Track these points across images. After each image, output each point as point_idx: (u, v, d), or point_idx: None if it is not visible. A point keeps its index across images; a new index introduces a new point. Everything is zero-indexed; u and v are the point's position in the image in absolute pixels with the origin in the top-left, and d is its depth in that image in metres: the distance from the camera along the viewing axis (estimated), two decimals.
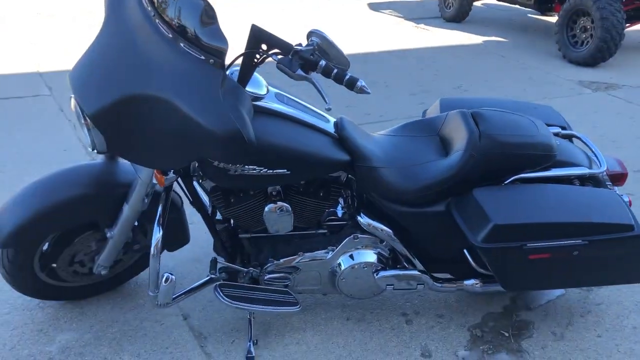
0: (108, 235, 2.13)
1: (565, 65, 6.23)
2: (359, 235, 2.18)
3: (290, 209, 2.08)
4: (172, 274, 1.98)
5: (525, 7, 7.81)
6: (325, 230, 2.25)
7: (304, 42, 1.83)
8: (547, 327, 2.38)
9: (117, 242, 2.16)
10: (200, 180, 2.07)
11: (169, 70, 1.63)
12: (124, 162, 2.20)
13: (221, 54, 1.62)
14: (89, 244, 2.23)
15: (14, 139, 3.93)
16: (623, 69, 6.15)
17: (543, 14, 8.70)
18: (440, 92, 5.26)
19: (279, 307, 2.18)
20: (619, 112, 4.89)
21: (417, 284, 2.25)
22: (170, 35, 1.65)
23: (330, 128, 2.09)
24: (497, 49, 6.89)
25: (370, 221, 2.15)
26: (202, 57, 1.63)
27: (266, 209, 2.07)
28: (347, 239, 2.18)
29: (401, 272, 2.22)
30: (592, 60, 6.06)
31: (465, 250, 2.20)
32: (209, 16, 1.62)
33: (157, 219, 1.98)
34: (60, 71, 5.37)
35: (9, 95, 4.70)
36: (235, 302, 2.13)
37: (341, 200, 2.32)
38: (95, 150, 1.88)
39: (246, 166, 1.89)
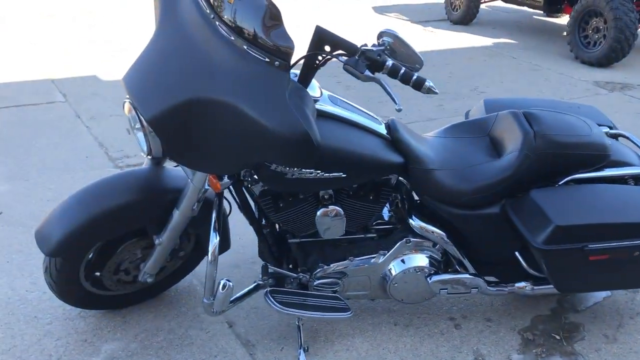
0: (156, 242, 2.08)
1: (578, 66, 6.23)
2: (411, 239, 2.15)
3: (342, 212, 2.05)
4: (229, 281, 1.93)
5: (534, 9, 7.82)
6: (374, 235, 2.21)
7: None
8: (598, 330, 2.35)
9: (166, 249, 2.12)
10: (250, 185, 2.03)
11: (232, 73, 1.59)
12: (170, 168, 2.16)
13: (287, 55, 1.58)
14: (135, 251, 2.18)
15: (35, 147, 3.88)
16: (637, 68, 6.15)
17: (549, 15, 8.72)
18: (457, 94, 5.24)
19: (330, 313, 2.13)
20: (638, 112, 4.88)
21: (471, 288, 2.22)
22: (232, 37, 1.61)
23: (383, 130, 2.06)
24: (508, 50, 6.88)
25: (423, 224, 2.12)
26: (267, 59, 1.59)
27: (318, 213, 2.03)
28: (399, 243, 2.14)
29: (455, 276, 2.18)
30: (606, 61, 6.06)
31: (517, 252, 2.17)
32: (273, 17, 1.58)
33: (212, 225, 1.94)
34: (72, 77, 5.32)
35: (25, 103, 4.64)
36: (287, 309, 2.08)
37: (387, 204, 2.28)
38: (150, 156, 1.85)
39: (303, 169, 1.85)
